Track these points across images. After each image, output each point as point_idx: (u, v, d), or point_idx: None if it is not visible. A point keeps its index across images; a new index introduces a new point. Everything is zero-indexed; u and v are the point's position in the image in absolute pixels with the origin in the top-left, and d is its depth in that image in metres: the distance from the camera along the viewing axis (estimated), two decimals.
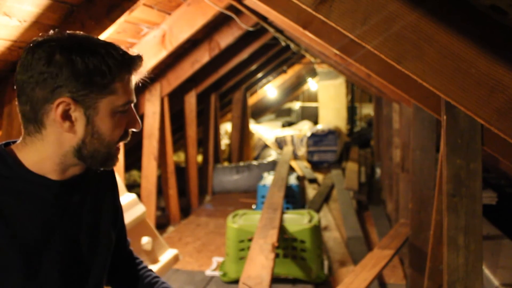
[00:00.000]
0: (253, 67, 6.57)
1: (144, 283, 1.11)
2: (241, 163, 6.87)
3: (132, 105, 0.89)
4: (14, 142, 0.88)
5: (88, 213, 0.93)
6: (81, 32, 0.84)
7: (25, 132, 0.84)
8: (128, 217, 3.12)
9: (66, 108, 0.79)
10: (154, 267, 3.36)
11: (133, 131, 0.91)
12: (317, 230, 3.41)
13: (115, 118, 0.84)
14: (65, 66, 0.77)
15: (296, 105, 13.51)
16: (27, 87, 0.79)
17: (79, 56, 0.78)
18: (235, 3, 3.19)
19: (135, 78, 0.88)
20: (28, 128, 0.83)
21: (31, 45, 0.80)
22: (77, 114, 0.81)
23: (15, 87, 0.82)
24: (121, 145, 0.92)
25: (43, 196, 0.84)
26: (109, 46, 0.82)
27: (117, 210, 1.05)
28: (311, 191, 6.15)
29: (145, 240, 3.28)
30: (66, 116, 0.80)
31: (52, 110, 0.79)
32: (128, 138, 0.90)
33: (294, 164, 7.60)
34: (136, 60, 0.85)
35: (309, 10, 0.94)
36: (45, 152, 0.83)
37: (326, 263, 3.57)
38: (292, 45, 5.41)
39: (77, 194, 0.90)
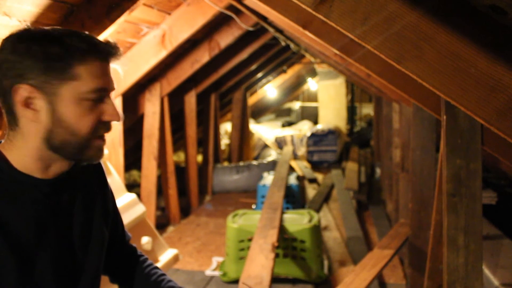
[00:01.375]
0: (253, 67, 6.57)
1: (150, 281, 1.10)
2: (241, 163, 6.87)
3: (112, 95, 0.88)
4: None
5: (80, 211, 0.93)
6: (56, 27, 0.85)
7: (8, 127, 0.84)
8: (128, 217, 3.12)
9: (27, 95, 0.80)
10: None
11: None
12: (317, 230, 3.41)
13: (82, 105, 0.82)
14: (25, 54, 0.79)
15: (296, 105, 13.51)
16: None
17: (38, 43, 0.79)
18: (235, 3, 3.18)
19: (112, 66, 0.87)
20: (10, 123, 0.84)
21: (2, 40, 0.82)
22: (40, 102, 0.80)
23: None
24: (107, 136, 0.90)
25: (34, 196, 0.84)
26: (74, 33, 0.82)
27: (108, 206, 1.04)
28: (311, 191, 6.16)
29: (145, 240, 3.28)
30: (28, 103, 0.80)
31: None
32: (109, 130, 0.88)
33: (294, 164, 7.60)
34: (105, 46, 0.84)
35: (309, 10, 0.94)
36: (24, 147, 0.83)
37: (326, 263, 3.57)
38: (292, 45, 5.41)
39: (67, 192, 0.90)
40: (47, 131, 0.82)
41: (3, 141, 0.87)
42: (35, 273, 0.82)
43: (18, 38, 0.80)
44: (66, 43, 0.80)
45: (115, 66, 0.89)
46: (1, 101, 0.83)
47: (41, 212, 0.85)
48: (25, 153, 0.83)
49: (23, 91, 0.79)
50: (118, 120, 0.87)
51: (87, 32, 0.85)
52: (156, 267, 1.15)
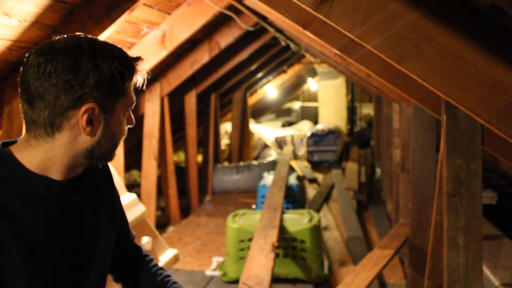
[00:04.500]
0: (253, 67, 6.57)
1: (156, 282, 1.10)
2: (241, 163, 6.87)
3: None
4: (9, 143, 0.88)
5: (89, 211, 0.94)
6: (89, 35, 0.85)
7: (30, 134, 0.83)
8: (128, 217, 3.10)
9: (92, 113, 0.81)
10: None
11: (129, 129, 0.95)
12: (317, 230, 3.41)
13: (124, 118, 0.89)
14: (91, 73, 0.79)
15: (296, 105, 13.51)
16: (49, 94, 0.78)
17: (104, 63, 0.80)
18: (235, 3, 3.18)
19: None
20: (37, 131, 0.82)
21: (47, 50, 0.79)
22: (100, 118, 0.83)
23: (25, 93, 0.81)
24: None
25: (45, 196, 0.85)
26: (120, 50, 0.85)
27: (115, 206, 1.05)
28: (311, 191, 6.15)
29: (145, 240, 3.28)
30: (91, 120, 0.82)
31: (76, 116, 0.81)
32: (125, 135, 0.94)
33: (294, 164, 7.60)
34: (139, 62, 0.88)
35: (309, 10, 0.94)
36: (54, 154, 0.84)
37: (326, 263, 3.57)
38: (292, 45, 5.41)
39: (77, 193, 0.91)
40: (95, 143, 0.85)
41: (18, 142, 0.86)
42: (45, 272, 0.83)
43: (78, 55, 0.79)
44: (122, 61, 0.83)
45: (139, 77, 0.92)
46: (47, 114, 0.80)
47: (50, 211, 0.85)
48: (53, 158, 0.84)
49: (90, 109, 0.81)
50: (133, 125, 0.93)
51: (125, 49, 0.87)
52: (161, 268, 1.15)
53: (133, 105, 0.91)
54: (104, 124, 0.84)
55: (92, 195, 0.96)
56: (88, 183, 0.95)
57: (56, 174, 0.85)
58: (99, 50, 0.81)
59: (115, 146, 0.90)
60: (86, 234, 0.92)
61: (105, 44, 0.84)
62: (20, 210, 0.81)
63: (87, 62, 0.79)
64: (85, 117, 0.81)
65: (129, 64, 0.85)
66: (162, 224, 4.74)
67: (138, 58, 0.87)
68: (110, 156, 0.91)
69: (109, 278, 1.12)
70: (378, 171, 6.60)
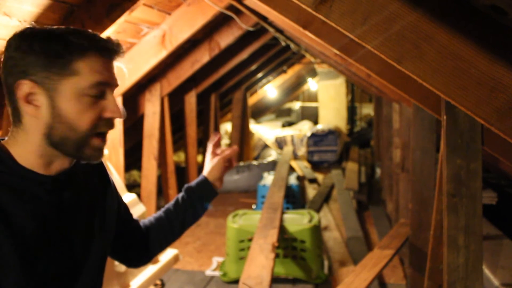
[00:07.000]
0: (253, 67, 6.57)
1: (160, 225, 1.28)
2: (241, 163, 6.87)
3: (114, 92, 0.88)
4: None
5: (82, 208, 0.93)
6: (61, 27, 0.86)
7: (12, 124, 0.86)
8: None
9: (29, 91, 0.81)
10: (154, 267, 3.36)
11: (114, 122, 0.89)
12: (317, 230, 3.41)
13: (82, 101, 0.83)
14: (27, 51, 0.81)
15: (296, 105, 13.51)
16: (3, 76, 0.84)
17: (39, 41, 0.81)
18: (235, 3, 3.19)
19: (116, 63, 0.88)
20: (14, 119, 0.85)
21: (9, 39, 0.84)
22: (41, 98, 0.82)
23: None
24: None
25: (37, 192, 0.85)
26: (76, 30, 0.84)
27: (111, 204, 1.03)
28: (311, 191, 6.15)
29: None
30: (29, 99, 0.82)
31: (18, 95, 0.82)
32: (111, 127, 0.88)
33: (294, 164, 7.60)
34: (105, 42, 0.85)
35: (309, 10, 0.94)
36: (27, 143, 0.84)
37: (326, 263, 3.57)
38: (292, 45, 5.41)
39: (69, 190, 0.91)
40: (47, 126, 0.83)
41: (6, 138, 0.87)
42: (38, 270, 0.82)
43: (21, 36, 0.82)
44: (66, 39, 0.82)
45: (119, 64, 0.90)
46: (7, 98, 0.84)
47: (43, 208, 0.85)
48: (28, 149, 0.84)
49: (24, 86, 0.81)
50: (120, 117, 0.87)
51: (90, 30, 0.86)
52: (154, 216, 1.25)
53: (98, 88, 0.84)
54: (51, 104, 0.82)
55: (85, 193, 0.95)
56: (82, 181, 0.95)
57: (38, 167, 0.85)
58: (39, 31, 0.83)
59: (78, 135, 0.83)
60: (79, 231, 0.91)
61: (58, 28, 0.84)
62: (12, 205, 0.80)
63: (24, 42, 0.81)
64: (20, 93, 0.81)
65: (73, 41, 0.82)
66: None
67: (101, 39, 0.84)
68: (74, 145, 0.84)
69: (107, 277, 1.12)
70: (378, 171, 6.59)
